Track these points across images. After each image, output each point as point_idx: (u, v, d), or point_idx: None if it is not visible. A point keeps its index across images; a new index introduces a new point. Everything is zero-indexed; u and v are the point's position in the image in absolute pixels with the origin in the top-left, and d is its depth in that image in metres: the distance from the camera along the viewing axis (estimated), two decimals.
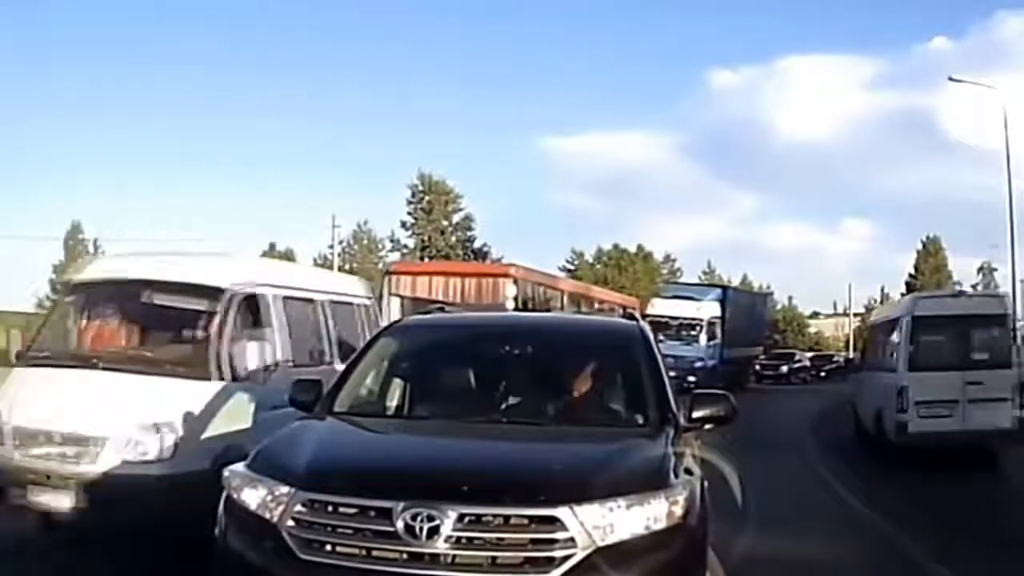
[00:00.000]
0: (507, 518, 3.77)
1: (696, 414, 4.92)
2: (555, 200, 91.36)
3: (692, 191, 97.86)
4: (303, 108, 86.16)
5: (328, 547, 3.79)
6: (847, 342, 70.76)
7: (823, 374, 47.93)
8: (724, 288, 41.03)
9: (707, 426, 5.04)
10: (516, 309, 17.81)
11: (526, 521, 3.77)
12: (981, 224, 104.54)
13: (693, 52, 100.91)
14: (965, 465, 11.89)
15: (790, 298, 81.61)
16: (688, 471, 4.30)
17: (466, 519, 3.73)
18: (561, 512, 3.75)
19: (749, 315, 39.37)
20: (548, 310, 19.94)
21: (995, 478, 11.42)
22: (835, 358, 54.04)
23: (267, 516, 3.91)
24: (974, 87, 34.68)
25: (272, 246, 61.27)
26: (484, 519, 3.75)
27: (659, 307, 33.18)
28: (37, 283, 47.82)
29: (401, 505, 3.73)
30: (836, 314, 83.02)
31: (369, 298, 10.79)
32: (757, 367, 42.10)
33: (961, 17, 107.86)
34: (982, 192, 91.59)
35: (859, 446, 15.15)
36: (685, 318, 32.32)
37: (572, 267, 60.42)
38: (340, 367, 6.64)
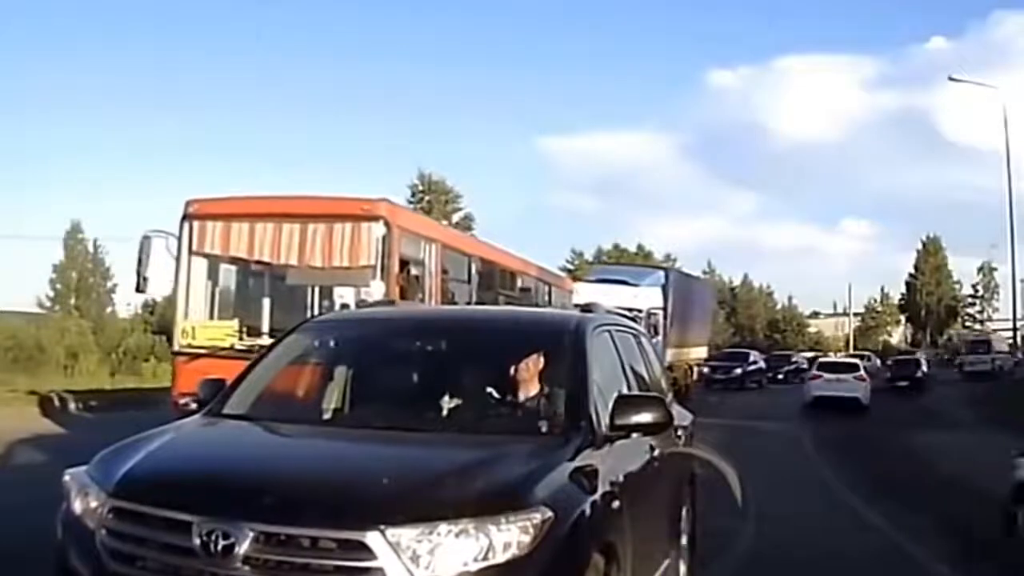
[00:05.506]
0: (315, 540, 3.26)
1: (620, 421, 4.26)
2: (555, 200, 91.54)
3: (692, 191, 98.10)
4: (303, 108, 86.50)
5: (137, 561, 3.42)
6: (847, 342, 70.80)
7: (780, 376, 42.04)
8: (667, 271, 33.18)
9: (634, 434, 4.38)
10: (388, 290, 11.14)
11: (333, 545, 3.25)
12: (981, 224, 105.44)
13: (692, 52, 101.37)
14: None
15: (790, 298, 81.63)
16: (587, 488, 3.74)
17: (272, 539, 3.27)
18: (369, 537, 3.21)
19: (696, 306, 33.58)
20: (445, 288, 13.41)
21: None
22: (793, 359, 47.21)
23: (89, 524, 3.60)
24: (974, 87, 34.90)
25: None
26: (292, 540, 3.26)
27: (583, 294, 22.37)
28: (37, 283, 47.70)
29: (199, 519, 3.32)
30: (836, 314, 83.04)
31: None
32: (706, 370, 35.77)
33: (959, 17, 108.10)
34: (982, 192, 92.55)
35: None
36: (617, 309, 22.63)
37: (572, 267, 60.39)
38: None
